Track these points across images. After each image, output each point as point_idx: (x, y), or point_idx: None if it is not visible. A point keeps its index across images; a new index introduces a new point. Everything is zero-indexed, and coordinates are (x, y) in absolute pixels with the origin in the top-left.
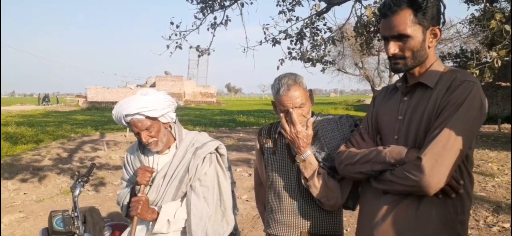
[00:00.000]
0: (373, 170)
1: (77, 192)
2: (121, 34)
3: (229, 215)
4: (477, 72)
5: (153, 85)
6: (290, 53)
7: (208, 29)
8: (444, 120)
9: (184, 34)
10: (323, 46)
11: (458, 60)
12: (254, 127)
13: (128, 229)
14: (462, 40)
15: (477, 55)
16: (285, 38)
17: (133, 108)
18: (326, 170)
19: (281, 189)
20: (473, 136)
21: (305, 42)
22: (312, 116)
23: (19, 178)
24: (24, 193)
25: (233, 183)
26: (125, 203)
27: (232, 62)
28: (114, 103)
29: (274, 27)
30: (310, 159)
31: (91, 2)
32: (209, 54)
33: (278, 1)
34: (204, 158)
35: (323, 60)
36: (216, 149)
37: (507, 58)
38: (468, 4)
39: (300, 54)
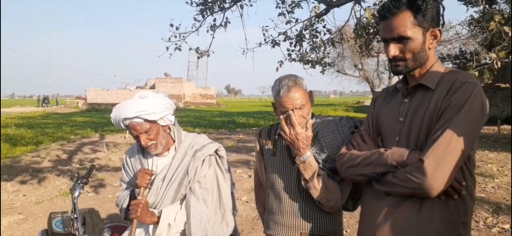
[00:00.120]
0: (375, 172)
1: (76, 193)
2: (121, 34)
3: (228, 217)
4: (477, 73)
5: (152, 87)
6: (289, 54)
7: (207, 31)
8: (445, 122)
9: (183, 36)
10: (322, 48)
11: (458, 61)
12: (254, 128)
13: (127, 232)
14: (461, 42)
15: (476, 57)
16: (285, 40)
17: (132, 111)
18: (326, 171)
19: (281, 191)
20: (474, 138)
21: (305, 44)
22: (312, 117)
23: (19, 179)
24: (24, 195)
25: (232, 185)
26: (125, 205)
27: (232, 63)
28: (114, 104)
29: (274, 29)
30: (310, 160)
31: (91, 2)
32: (208, 55)
33: (278, 3)
34: (204, 160)
35: (322, 62)
36: (216, 151)
37: (507, 60)
38: (467, 6)
39: (299, 56)
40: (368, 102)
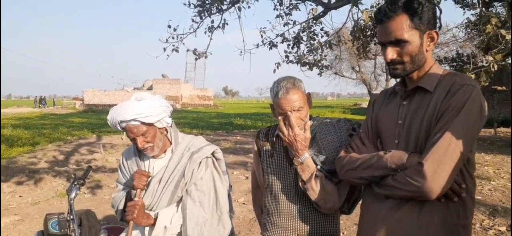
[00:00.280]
0: (374, 175)
1: (73, 195)
2: (120, 35)
3: (225, 219)
4: (473, 76)
5: (150, 88)
6: (287, 56)
7: (205, 33)
8: (444, 125)
9: (181, 37)
10: (319, 50)
11: (455, 64)
12: (251, 130)
13: (123, 233)
14: (458, 44)
15: (473, 59)
16: (282, 42)
17: (129, 114)
18: (324, 173)
19: (278, 192)
20: (473, 140)
21: (302, 46)
22: (310, 119)
23: (15, 180)
24: (20, 196)
25: (229, 187)
26: (121, 207)
27: (230, 65)
28: (111, 105)
29: (271, 30)
30: (307, 162)
31: (91, 2)
32: (206, 57)
33: (276, 5)
34: (200, 162)
35: (319, 64)
36: (212, 154)
37: (503, 62)
38: (464, 9)
39: (297, 57)
40: (365, 104)
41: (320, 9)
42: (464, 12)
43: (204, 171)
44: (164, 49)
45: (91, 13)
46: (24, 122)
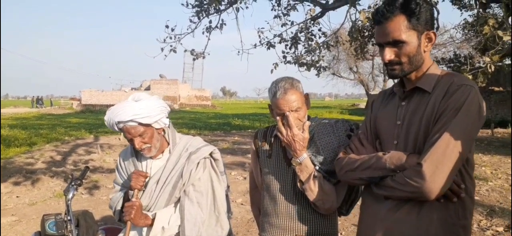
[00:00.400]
0: (373, 176)
1: (70, 195)
2: (119, 35)
3: (223, 220)
4: (471, 77)
5: (148, 88)
6: (284, 57)
7: (203, 33)
8: (443, 125)
9: (179, 38)
10: (317, 51)
11: (452, 65)
12: (249, 130)
13: (121, 234)
14: (455, 45)
15: (470, 60)
16: (280, 42)
17: (126, 115)
18: (322, 173)
19: (276, 192)
20: (472, 140)
21: (300, 47)
22: (308, 120)
23: (12, 181)
24: (17, 196)
25: (227, 187)
26: (118, 207)
27: (227, 65)
28: (108, 106)
29: (269, 31)
30: (306, 162)
31: (91, 2)
32: (204, 57)
33: (273, 6)
34: (198, 163)
35: (317, 65)
36: (210, 154)
37: (500, 63)
38: (461, 10)
39: (294, 58)
40: (363, 105)
41: (318, 9)
42: (462, 13)
43: (202, 171)
44: (162, 49)
45: (91, 13)
46: (21, 122)
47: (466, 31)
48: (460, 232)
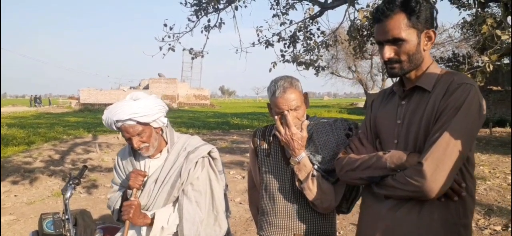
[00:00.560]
0: (374, 175)
1: (68, 194)
2: (119, 35)
3: (221, 219)
4: (469, 76)
5: (146, 87)
6: (283, 56)
7: (201, 32)
8: (443, 124)
9: (177, 36)
10: (316, 50)
11: (450, 64)
12: (248, 129)
13: (119, 233)
14: (454, 45)
15: (469, 60)
16: (279, 41)
17: (125, 114)
18: (321, 172)
19: (274, 191)
20: (473, 138)
21: (298, 45)
22: (307, 119)
23: (10, 180)
24: (15, 195)
25: (225, 186)
26: (117, 207)
27: (226, 64)
28: (107, 105)
29: (268, 29)
30: (304, 161)
31: (90, 2)
32: (202, 56)
33: (272, 5)
34: (197, 162)
35: (315, 65)
36: (209, 153)
37: (499, 63)
38: (459, 9)
39: (293, 57)
40: (361, 104)
41: (316, 8)
42: (460, 13)
43: (200, 170)
44: (160, 48)
45: (91, 13)
46: (19, 121)
47: (465, 31)
48: (461, 231)
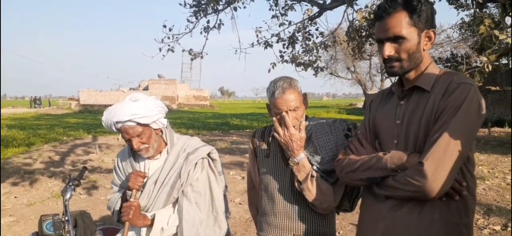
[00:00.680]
0: (374, 176)
1: (68, 195)
2: (118, 35)
3: (221, 220)
4: (467, 76)
5: (146, 88)
6: (282, 56)
7: (201, 33)
8: (443, 124)
9: (177, 37)
10: (314, 51)
11: (449, 64)
12: (247, 130)
13: (119, 234)
14: (452, 45)
15: (467, 60)
16: (278, 42)
17: (125, 115)
18: (320, 173)
19: (274, 192)
20: (473, 138)
21: (297, 46)
22: (305, 120)
23: (10, 181)
24: (15, 197)
25: (225, 187)
26: (117, 208)
27: (226, 65)
28: (107, 106)
29: (267, 30)
30: (303, 162)
31: (90, 2)
32: (202, 57)
33: (271, 6)
34: (196, 163)
35: (314, 65)
36: (208, 154)
37: (497, 63)
38: (458, 10)
39: (292, 57)
40: (360, 105)
41: (315, 9)
42: (458, 13)
43: (200, 172)
44: (160, 49)
45: (91, 13)
46: (19, 123)
47: (463, 31)
48: (462, 231)
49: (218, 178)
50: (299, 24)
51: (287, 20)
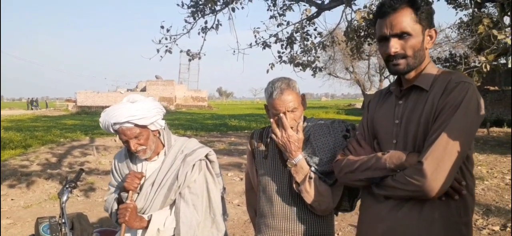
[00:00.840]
0: (373, 177)
1: (64, 198)
2: (117, 36)
3: (219, 222)
4: (466, 75)
5: (143, 90)
6: (280, 57)
7: (198, 34)
8: (442, 123)
9: (174, 38)
10: (313, 51)
11: (448, 64)
12: (246, 131)
13: None
14: (451, 45)
15: (465, 60)
16: (276, 42)
17: (122, 116)
18: (318, 174)
19: (272, 193)
20: (472, 137)
21: (296, 47)
22: (304, 121)
23: (7, 183)
24: (12, 199)
25: (223, 189)
26: (114, 209)
27: (224, 66)
28: (104, 107)
29: (265, 31)
30: (301, 163)
31: (90, 2)
32: (200, 58)
33: (269, 6)
34: (194, 165)
35: (312, 65)
36: (206, 156)
37: (495, 63)
38: (456, 9)
39: (290, 58)
40: (359, 105)
41: (313, 9)
42: (457, 13)
43: (197, 173)
44: (158, 51)
45: (91, 13)
46: (16, 125)
47: (462, 31)
48: (462, 230)
49: (215, 180)
50: (297, 24)
51: (285, 21)
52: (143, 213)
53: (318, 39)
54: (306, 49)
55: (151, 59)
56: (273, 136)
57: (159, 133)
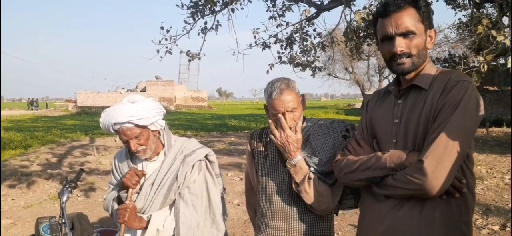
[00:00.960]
0: (374, 176)
1: (64, 198)
2: (117, 36)
3: (219, 222)
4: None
5: (143, 90)
6: (280, 57)
7: (198, 34)
8: (442, 122)
9: (174, 39)
10: (312, 51)
11: (447, 64)
12: (245, 131)
13: None
14: (450, 45)
15: (464, 60)
16: (275, 43)
17: (123, 116)
18: (317, 175)
19: (272, 193)
20: (472, 135)
21: (295, 47)
22: (303, 121)
23: (7, 183)
24: (12, 199)
25: (223, 189)
26: (115, 207)
27: (223, 66)
28: (104, 107)
29: (265, 31)
30: (300, 164)
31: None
32: (199, 58)
33: (268, 7)
34: (193, 165)
35: (312, 66)
36: (206, 156)
37: (494, 63)
38: (455, 10)
39: (289, 58)
40: (358, 105)
41: (313, 10)
42: (456, 13)
43: (197, 174)
44: (158, 51)
45: (91, 13)
46: (16, 125)
47: (461, 31)
48: (462, 228)
49: (215, 180)
50: (297, 25)
51: (284, 21)
52: (143, 213)
53: (318, 39)
54: (305, 50)
55: (151, 60)
56: (272, 137)
57: (159, 133)
